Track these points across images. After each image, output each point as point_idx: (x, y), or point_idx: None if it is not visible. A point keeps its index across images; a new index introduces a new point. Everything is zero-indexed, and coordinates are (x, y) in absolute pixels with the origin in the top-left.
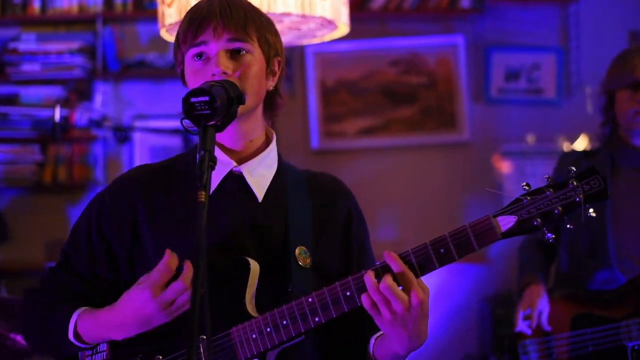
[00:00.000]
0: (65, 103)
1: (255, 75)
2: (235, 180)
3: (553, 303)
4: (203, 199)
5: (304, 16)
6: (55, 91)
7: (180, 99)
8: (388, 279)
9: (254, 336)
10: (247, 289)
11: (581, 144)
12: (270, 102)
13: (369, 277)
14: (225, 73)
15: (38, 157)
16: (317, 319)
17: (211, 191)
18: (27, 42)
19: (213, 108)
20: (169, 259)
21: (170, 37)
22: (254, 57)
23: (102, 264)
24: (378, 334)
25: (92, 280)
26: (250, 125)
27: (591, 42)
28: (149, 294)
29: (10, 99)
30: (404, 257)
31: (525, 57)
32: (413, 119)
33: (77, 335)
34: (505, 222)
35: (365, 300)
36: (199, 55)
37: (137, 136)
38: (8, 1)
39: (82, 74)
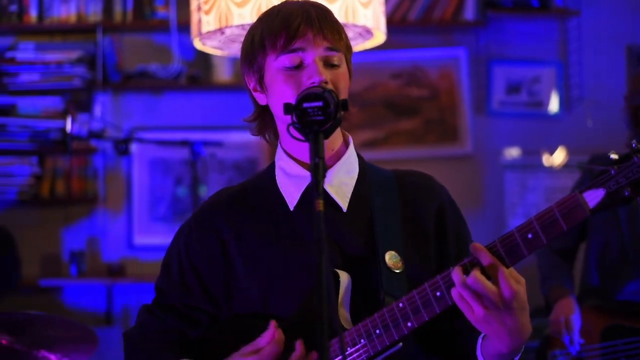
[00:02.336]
0: (63, 114)
1: (345, 86)
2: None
3: (583, 314)
4: (321, 208)
5: (345, 25)
6: (53, 102)
7: (176, 110)
8: (476, 272)
9: (348, 349)
10: (338, 301)
11: (560, 156)
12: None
13: (457, 272)
14: (325, 82)
15: (36, 169)
16: (409, 324)
17: (292, 207)
18: (25, 51)
19: (327, 114)
20: (276, 334)
21: (202, 46)
22: (343, 68)
23: (197, 294)
24: (483, 334)
25: (187, 312)
26: (336, 143)
27: (591, 56)
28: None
29: (7, 109)
30: (491, 248)
31: (526, 70)
32: (415, 132)
33: None
34: (593, 197)
35: (455, 297)
36: (292, 63)
37: (136, 148)
38: (3, 9)
39: (82, 85)
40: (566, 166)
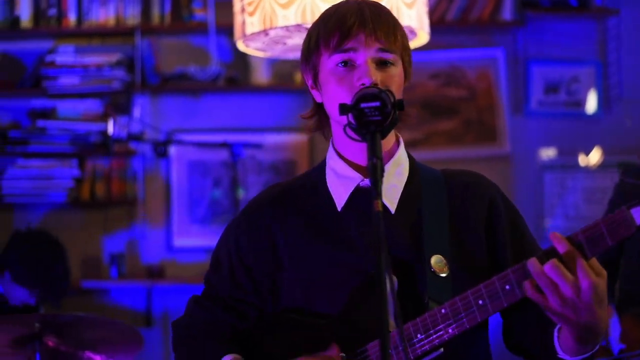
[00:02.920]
0: (102, 117)
1: (398, 88)
2: (365, 195)
3: (624, 321)
4: (380, 209)
5: None
6: (93, 105)
7: (215, 112)
8: (554, 260)
9: (389, 352)
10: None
11: (596, 156)
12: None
13: (533, 262)
14: (375, 84)
15: (76, 172)
16: (450, 330)
17: (340, 207)
18: (65, 54)
19: (384, 114)
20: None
21: (246, 47)
22: (397, 68)
23: (245, 288)
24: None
25: (236, 305)
26: (387, 144)
27: (630, 55)
28: None
29: (47, 112)
30: (572, 238)
31: (565, 70)
32: (454, 132)
33: None
34: None
35: (528, 288)
36: (344, 62)
37: (175, 150)
38: (42, 13)
39: (121, 87)
40: (604, 166)
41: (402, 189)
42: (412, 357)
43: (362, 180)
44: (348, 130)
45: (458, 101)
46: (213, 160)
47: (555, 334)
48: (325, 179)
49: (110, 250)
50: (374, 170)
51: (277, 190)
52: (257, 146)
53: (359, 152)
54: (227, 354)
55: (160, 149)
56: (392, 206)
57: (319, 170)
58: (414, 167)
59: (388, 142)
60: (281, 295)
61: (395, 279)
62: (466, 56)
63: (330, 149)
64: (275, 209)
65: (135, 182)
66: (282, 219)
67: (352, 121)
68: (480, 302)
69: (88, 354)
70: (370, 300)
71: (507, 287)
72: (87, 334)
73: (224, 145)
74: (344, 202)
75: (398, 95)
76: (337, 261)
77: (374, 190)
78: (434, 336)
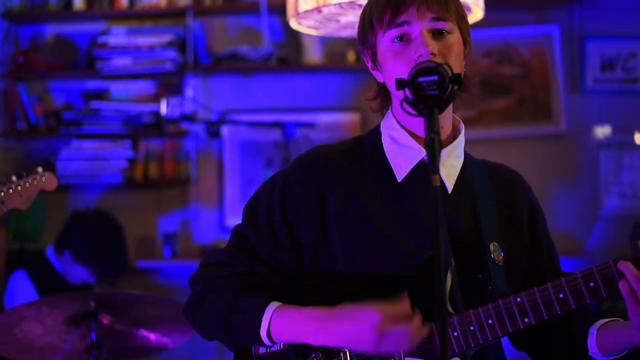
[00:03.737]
0: (155, 98)
1: (458, 56)
2: (426, 170)
3: None
4: (437, 184)
5: None
6: (145, 86)
7: (267, 92)
8: None
9: (455, 334)
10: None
11: None
12: (462, 86)
13: (628, 266)
14: (432, 54)
15: (129, 153)
16: (526, 320)
17: (401, 179)
18: (117, 36)
19: (442, 88)
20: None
21: (298, 25)
22: (455, 36)
23: (284, 247)
24: (599, 324)
25: (271, 263)
26: (445, 114)
27: None
28: (376, 319)
29: (100, 94)
30: None
31: (622, 46)
32: (508, 110)
33: (268, 332)
34: None
35: (624, 288)
36: (400, 37)
37: (227, 130)
38: None
39: (173, 68)
40: None
41: (458, 172)
42: (480, 341)
43: (427, 157)
44: (405, 105)
45: (512, 79)
46: (265, 140)
47: (593, 332)
48: (382, 147)
49: (163, 230)
50: (432, 145)
51: (330, 150)
52: (310, 125)
53: (422, 125)
54: (272, 301)
55: (213, 129)
56: (450, 186)
57: (373, 137)
58: (465, 153)
59: (444, 120)
60: (319, 260)
61: (453, 261)
62: (520, 33)
63: (390, 117)
64: (329, 170)
65: (188, 163)
66: (336, 180)
67: (409, 96)
68: (561, 295)
69: (143, 331)
70: (425, 281)
71: (592, 284)
72: (141, 313)
73: (276, 125)
74: (405, 174)
75: (459, 64)
76: (393, 235)
77: (432, 165)
78: (508, 323)
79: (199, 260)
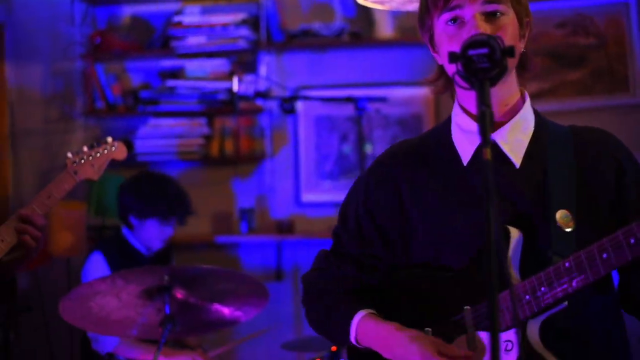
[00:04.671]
0: (229, 75)
1: (512, 38)
2: (491, 149)
3: None
4: (488, 157)
5: None
6: (220, 64)
7: (340, 67)
8: None
9: (510, 305)
10: (508, 256)
11: None
12: (522, 65)
13: None
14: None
15: (205, 130)
16: (574, 284)
17: (466, 162)
18: (191, 15)
19: (493, 60)
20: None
21: (364, 0)
22: (508, 18)
23: (374, 244)
24: None
25: (364, 260)
26: (505, 90)
27: None
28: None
29: (176, 72)
30: None
31: None
32: (582, 82)
33: (356, 339)
34: None
35: None
36: (453, 20)
37: (302, 106)
38: None
39: (247, 46)
40: None
41: (527, 144)
42: (535, 309)
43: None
44: (457, 78)
45: (587, 50)
46: (339, 116)
47: None
48: (450, 134)
49: (240, 206)
50: (483, 118)
51: (404, 145)
52: (382, 100)
53: None
54: (359, 310)
55: (287, 106)
56: (517, 160)
57: (445, 126)
58: (540, 122)
59: (511, 97)
60: (410, 249)
61: (519, 233)
62: (595, 2)
63: (456, 105)
64: (403, 164)
65: (263, 139)
66: (410, 173)
67: (461, 69)
68: (605, 255)
69: (216, 306)
70: (502, 255)
71: (632, 240)
72: (215, 287)
73: (348, 100)
74: (470, 156)
75: (512, 44)
76: (463, 216)
77: (483, 138)
78: (558, 289)
79: (275, 235)
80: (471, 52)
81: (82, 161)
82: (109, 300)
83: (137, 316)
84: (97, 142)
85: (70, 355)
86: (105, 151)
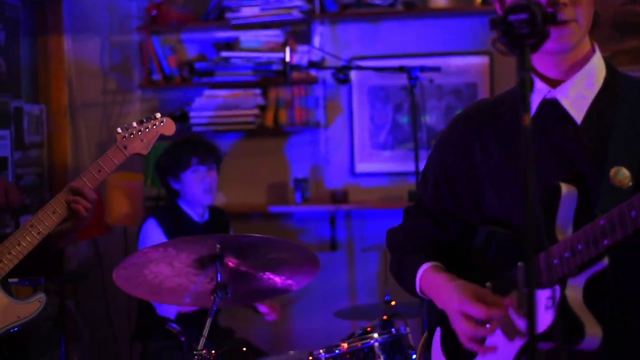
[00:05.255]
0: (283, 46)
1: (587, 3)
2: (552, 106)
3: None
4: (527, 122)
5: None
6: (274, 34)
7: (394, 37)
8: None
9: (555, 262)
10: (558, 213)
11: None
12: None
13: None
14: (564, 4)
15: (260, 100)
16: (605, 242)
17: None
18: None
19: (533, 25)
20: (495, 311)
21: None
22: None
23: (447, 201)
24: None
25: (438, 217)
26: (577, 55)
27: None
28: (457, 306)
29: (230, 43)
30: None
31: None
32: None
33: (420, 290)
34: None
35: None
36: None
37: (355, 76)
38: None
39: (301, 16)
40: None
41: (592, 100)
42: (573, 268)
43: (549, 92)
44: (498, 45)
45: None
46: (393, 86)
47: None
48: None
49: (294, 176)
50: (522, 85)
51: (480, 105)
52: (435, 69)
53: (547, 63)
54: (425, 262)
55: (341, 76)
56: (579, 117)
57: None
58: (613, 75)
59: (580, 51)
60: (482, 208)
61: (571, 189)
62: None
63: None
64: (474, 123)
65: (318, 109)
66: (479, 132)
67: (501, 34)
68: (633, 213)
69: (268, 274)
70: (544, 210)
71: (633, 213)
72: (266, 256)
73: (401, 69)
74: (532, 114)
75: (588, 12)
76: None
77: (522, 104)
78: (592, 247)
79: (329, 206)
80: (511, 17)
81: (132, 136)
82: (162, 269)
83: (190, 284)
84: (146, 117)
85: (128, 322)
86: (154, 126)
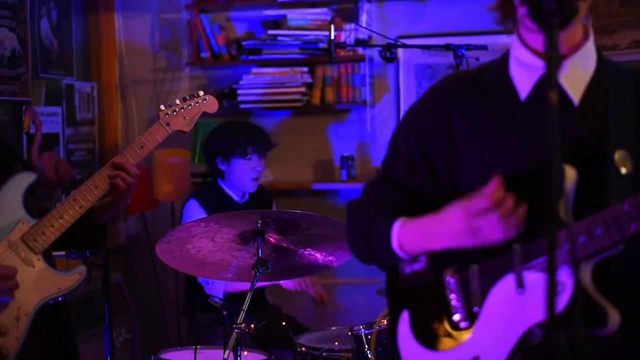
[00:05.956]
0: (330, 24)
1: None
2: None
3: None
4: (554, 99)
5: None
6: (321, 12)
7: (441, 16)
8: None
9: (566, 246)
10: (563, 195)
11: None
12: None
13: None
14: None
15: (307, 78)
16: (632, 227)
17: (524, 97)
18: None
19: (561, 2)
20: (495, 188)
21: None
22: None
23: (422, 174)
24: None
25: (411, 190)
26: (576, 35)
27: None
28: (461, 215)
29: (278, 22)
30: None
31: None
32: None
33: (400, 245)
34: None
35: None
36: None
37: (403, 55)
38: None
39: None
40: None
41: (587, 82)
42: (590, 251)
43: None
44: (526, 21)
45: None
46: (440, 64)
47: None
48: (508, 68)
49: (341, 154)
50: (550, 62)
51: (459, 76)
52: (482, 47)
53: (543, 40)
54: (397, 218)
55: (387, 54)
56: (576, 98)
57: (502, 60)
58: (602, 61)
59: (575, 34)
60: (459, 183)
61: (574, 172)
62: None
63: (515, 39)
64: (456, 95)
65: (364, 87)
66: (463, 105)
67: (529, 11)
68: None
69: (309, 250)
70: (546, 192)
71: None
72: (307, 232)
73: (447, 47)
74: (528, 91)
75: None
76: (518, 152)
77: (549, 81)
78: (615, 232)
79: None
80: None
81: (175, 113)
82: (204, 243)
83: (233, 259)
84: (189, 95)
85: (176, 296)
86: (197, 104)
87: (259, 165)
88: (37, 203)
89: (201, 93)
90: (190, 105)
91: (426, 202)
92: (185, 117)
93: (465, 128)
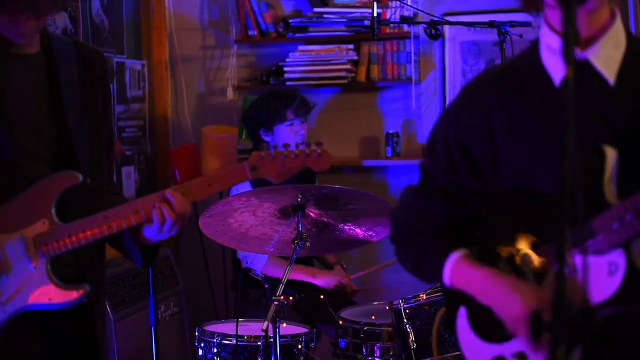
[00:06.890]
0: (374, 1)
1: None
2: (582, 68)
3: None
4: (571, 74)
5: None
6: None
7: None
8: None
9: (615, 225)
10: (605, 176)
11: None
12: None
13: None
14: None
15: (352, 55)
16: None
17: (557, 83)
18: None
19: None
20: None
21: None
22: None
23: (463, 172)
24: None
25: (453, 192)
26: (604, 15)
27: None
28: (520, 308)
29: (324, 0)
30: None
31: None
32: None
33: (451, 282)
34: None
35: None
36: None
37: (448, 32)
38: None
39: None
40: None
41: (620, 61)
42: (624, 239)
43: (580, 52)
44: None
45: None
46: (485, 41)
47: None
48: (540, 56)
49: (386, 131)
50: (567, 39)
51: (493, 71)
52: (526, 24)
53: (578, 23)
54: (450, 252)
55: (433, 31)
56: (611, 77)
57: (533, 48)
58: (631, 38)
59: (602, 15)
60: (502, 177)
61: (613, 152)
62: None
63: (543, 24)
64: (493, 90)
65: (410, 64)
66: (502, 99)
67: None
68: None
69: (349, 225)
70: (588, 174)
71: None
72: (347, 207)
73: (491, 24)
74: (562, 77)
75: None
76: (554, 138)
77: (567, 58)
78: None
79: (420, 160)
80: None
81: (271, 158)
82: (246, 217)
83: (274, 233)
84: (302, 143)
85: (223, 271)
86: (305, 156)
87: (302, 129)
88: (81, 206)
89: (314, 144)
90: (295, 154)
91: (470, 204)
92: (282, 167)
93: (504, 122)
